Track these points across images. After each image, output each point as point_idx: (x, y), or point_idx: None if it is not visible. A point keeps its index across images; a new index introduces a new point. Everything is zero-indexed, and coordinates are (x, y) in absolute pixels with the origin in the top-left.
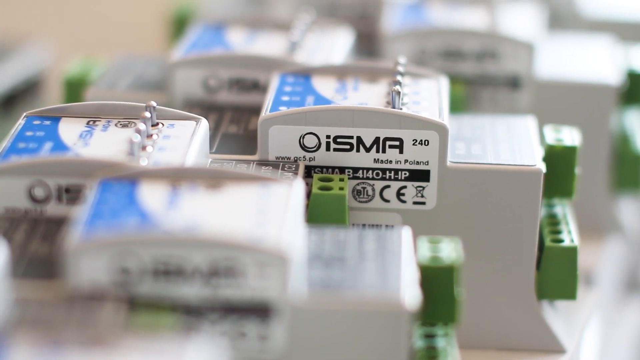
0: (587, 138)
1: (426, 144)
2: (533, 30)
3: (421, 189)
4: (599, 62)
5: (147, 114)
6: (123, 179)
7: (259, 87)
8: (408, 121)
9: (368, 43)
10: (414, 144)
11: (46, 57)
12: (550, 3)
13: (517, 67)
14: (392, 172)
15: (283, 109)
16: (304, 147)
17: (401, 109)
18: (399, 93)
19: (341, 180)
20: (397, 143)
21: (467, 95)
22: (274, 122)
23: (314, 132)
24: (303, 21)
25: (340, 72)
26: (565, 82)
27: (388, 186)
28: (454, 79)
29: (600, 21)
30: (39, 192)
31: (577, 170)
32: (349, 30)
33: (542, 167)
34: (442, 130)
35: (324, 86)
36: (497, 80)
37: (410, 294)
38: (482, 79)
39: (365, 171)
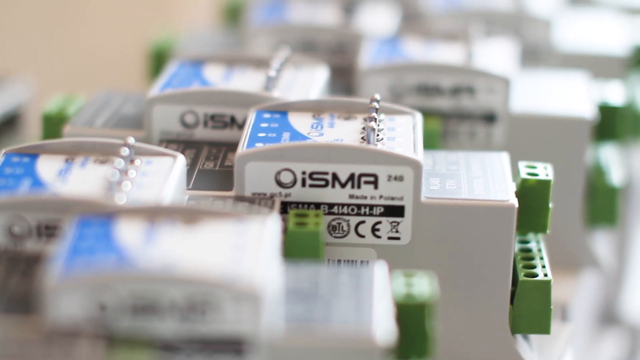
0: (562, 171)
1: (401, 179)
2: (508, 65)
3: (396, 224)
4: (574, 97)
5: (125, 151)
6: (100, 216)
7: (235, 123)
8: (383, 157)
9: (345, 77)
10: (388, 180)
11: (25, 94)
12: (525, 37)
13: (492, 101)
14: (367, 207)
15: (259, 145)
16: (280, 183)
17: (376, 145)
18: (373, 129)
19: (316, 216)
20: (372, 179)
21: (443, 129)
22: (250, 158)
23: (289, 168)
24: (279, 58)
25: (316, 108)
26: (541, 116)
27: (363, 222)
28: (430, 114)
29: (574, 55)
30: (18, 229)
31: (551, 205)
32: (325, 67)
33: (515, 202)
34: (416, 166)
35: (300, 122)
36: (472, 115)
37: (383, 330)
38: (458, 114)
39: (340, 207)
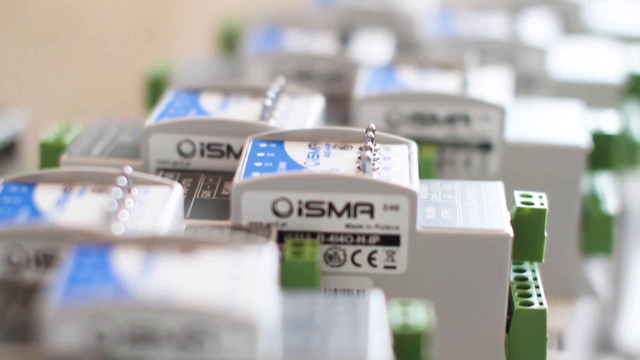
0: (557, 200)
1: (396, 209)
2: (503, 93)
3: (392, 253)
4: (569, 125)
5: (122, 181)
6: (98, 246)
7: (232, 152)
8: (378, 187)
9: (341, 105)
10: (384, 210)
11: (23, 122)
12: (520, 66)
13: (488, 130)
14: (363, 237)
15: (256, 174)
16: (276, 213)
17: (372, 174)
18: (369, 159)
19: (313, 245)
20: (368, 208)
21: (439, 158)
22: (247, 188)
23: (286, 197)
24: (275, 87)
25: (312, 138)
26: (536, 145)
27: (359, 251)
28: (425, 143)
29: (569, 83)
30: (16, 258)
31: (546, 234)
32: (320, 96)
33: (510, 231)
34: (411, 196)
35: (296, 152)
36: (468, 144)
37: (379, 358)
38: (453, 143)
39: (336, 236)
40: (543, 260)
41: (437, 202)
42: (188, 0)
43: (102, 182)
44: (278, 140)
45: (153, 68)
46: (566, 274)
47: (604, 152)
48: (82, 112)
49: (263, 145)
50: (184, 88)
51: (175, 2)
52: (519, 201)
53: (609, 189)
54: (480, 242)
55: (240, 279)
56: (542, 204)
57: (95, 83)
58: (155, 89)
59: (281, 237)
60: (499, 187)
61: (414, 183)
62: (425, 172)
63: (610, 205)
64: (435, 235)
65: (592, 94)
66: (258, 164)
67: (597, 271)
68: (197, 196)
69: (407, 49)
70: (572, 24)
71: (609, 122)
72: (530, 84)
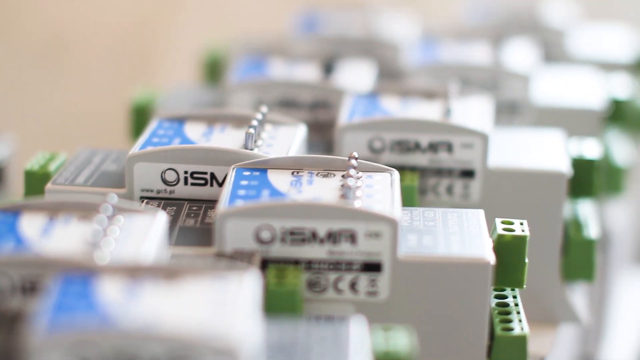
0: (539, 226)
1: (378, 236)
2: (485, 120)
3: (374, 280)
4: (550, 152)
5: (106, 209)
6: (83, 274)
7: (215, 181)
8: (360, 215)
9: (325, 133)
10: (366, 237)
11: (7, 151)
12: (502, 92)
13: (470, 157)
14: (346, 263)
15: (240, 202)
16: (259, 240)
17: (354, 202)
18: (351, 187)
19: (295, 272)
20: (350, 236)
21: (421, 185)
22: (230, 215)
23: (269, 225)
24: (259, 116)
25: (295, 166)
26: (518, 171)
27: (341, 277)
28: (408, 170)
29: (551, 109)
30: (2, 286)
31: (527, 260)
32: (303, 124)
33: (491, 258)
34: (393, 223)
35: (280, 180)
36: (450, 171)
37: None
38: (436, 170)
39: (319, 263)
40: (524, 286)
41: (419, 229)
42: (174, 28)
43: (87, 211)
44: (261, 168)
45: (138, 96)
46: (548, 300)
47: (585, 178)
48: (68, 139)
49: (246, 173)
50: (168, 117)
51: (162, 31)
52: (500, 228)
53: (591, 215)
54: (461, 269)
55: (224, 306)
56: (523, 231)
57: (81, 111)
58: (140, 118)
59: (264, 264)
60: (480, 214)
61: (396, 211)
62: (408, 199)
63: (592, 230)
64: (416, 262)
65: (574, 120)
66: (241, 192)
67: (579, 297)
68: (181, 224)
69: (391, 77)
70: (554, 51)
71: (590, 148)
72: (513, 110)
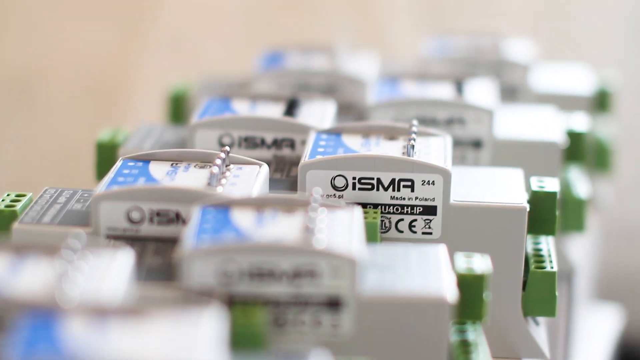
0: (500, 260)
1: (340, 274)
2: (446, 157)
3: (336, 318)
4: (511, 187)
5: (73, 247)
6: (47, 313)
7: (181, 219)
8: (320, 255)
9: (291, 168)
10: (330, 274)
11: None
12: (467, 128)
13: (432, 193)
14: (309, 301)
15: (205, 240)
16: (225, 277)
17: (316, 240)
18: (309, 227)
19: (260, 309)
20: (312, 272)
21: (383, 221)
22: (195, 255)
23: (234, 262)
24: (223, 155)
25: (258, 204)
26: (479, 206)
27: (304, 313)
28: (370, 206)
29: (512, 142)
30: None
31: (488, 295)
32: (265, 164)
33: (450, 296)
34: (352, 261)
35: (243, 218)
36: (412, 207)
37: None
38: (398, 206)
39: (283, 301)
40: (486, 321)
41: (379, 266)
42: (141, 66)
43: (53, 250)
44: (225, 207)
45: (103, 136)
46: (511, 335)
47: (546, 213)
48: (35, 178)
49: (211, 211)
50: (133, 156)
51: (129, 68)
52: (460, 263)
53: (552, 249)
54: (420, 306)
55: (189, 342)
56: (484, 266)
57: (49, 152)
58: (105, 157)
59: (229, 301)
60: (442, 249)
61: (356, 248)
62: (370, 236)
63: (553, 264)
64: (376, 299)
65: (534, 154)
66: (206, 231)
67: (543, 331)
68: (147, 262)
69: (354, 113)
70: (517, 87)
71: (550, 183)
72: (477, 147)
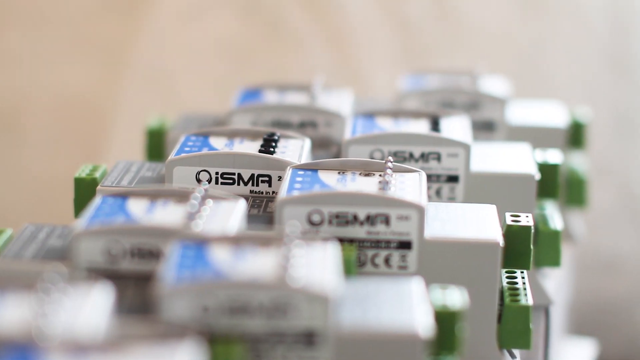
0: (476, 294)
1: (314, 311)
2: (421, 193)
3: (311, 354)
4: (485, 222)
5: (54, 281)
6: (29, 348)
7: (159, 255)
8: (296, 293)
9: (268, 204)
10: (307, 308)
11: None
12: (439, 164)
13: (407, 228)
14: (282, 336)
15: (182, 276)
16: (203, 313)
17: (292, 276)
18: (285, 264)
19: (238, 345)
20: (285, 309)
21: (359, 256)
22: (172, 292)
23: (211, 297)
24: (200, 191)
25: (235, 241)
26: (453, 241)
27: (280, 344)
28: (347, 242)
29: (487, 175)
30: None
31: (464, 329)
32: (242, 199)
33: (425, 331)
34: (324, 300)
35: (220, 255)
36: (388, 242)
37: None
38: (374, 241)
39: (260, 339)
40: (462, 354)
41: (355, 300)
42: (119, 104)
43: (30, 283)
44: (202, 243)
45: (81, 172)
46: None
47: (522, 246)
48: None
49: (188, 247)
50: (111, 193)
51: (107, 106)
52: (435, 297)
53: (527, 282)
54: (394, 342)
55: None
56: (458, 301)
57: (27, 186)
58: (84, 193)
59: (207, 337)
60: (415, 284)
61: (331, 283)
62: (346, 270)
63: (528, 298)
64: (351, 335)
65: (510, 187)
66: (184, 267)
67: None
68: (127, 297)
69: (330, 149)
70: (493, 121)
71: (525, 216)
72: (454, 180)
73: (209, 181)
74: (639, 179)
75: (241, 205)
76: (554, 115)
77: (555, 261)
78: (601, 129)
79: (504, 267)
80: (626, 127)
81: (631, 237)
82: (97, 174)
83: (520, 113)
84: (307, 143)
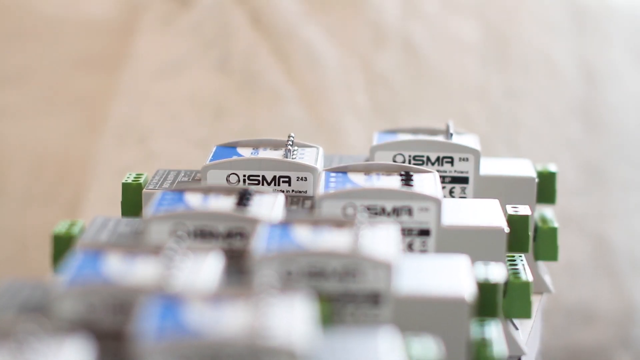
0: (446, 346)
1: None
2: (391, 249)
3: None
4: (456, 275)
5: (31, 332)
6: None
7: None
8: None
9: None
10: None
11: None
12: (411, 218)
13: (377, 284)
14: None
15: (165, 333)
16: None
17: (265, 332)
18: (259, 320)
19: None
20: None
21: (332, 310)
22: (150, 350)
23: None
24: (176, 246)
25: (211, 297)
26: (422, 297)
27: None
28: (320, 297)
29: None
30: None
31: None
32: (220, 253)
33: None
34: (292, 355)
35: (196, 312)
36: (358, 296)
37: None
38: (345, 295)
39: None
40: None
41: (326, 354)
42: (95, 161)
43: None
44: (178, 300)
45: (59, 228)
46: None
47: (491, 299)
48: None
49: (165, 305)
50: (88, 248)
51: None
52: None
53: (499, 333)
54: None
55: None
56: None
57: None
58: (61, 249)
59: None
60: (389, 335)
61: (304, 339)
62: (321, 322)
63: (500, 348)
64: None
65: (481, 240)
66: (159, 325)
67: None
68: (105, 353)
69: (304, 205)
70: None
71: (496, 268)
72: (425, 233)
73: (187, 236)
74: (610, 229)
75: (218, 259)
76: (523, 169)
77: (526, 312)
78: (572, 181)
79: (476, 317)
80: (597, 179)
81: (603, 288)
82: (75, 230)
83: (490, 168)
84: (281, 198)
